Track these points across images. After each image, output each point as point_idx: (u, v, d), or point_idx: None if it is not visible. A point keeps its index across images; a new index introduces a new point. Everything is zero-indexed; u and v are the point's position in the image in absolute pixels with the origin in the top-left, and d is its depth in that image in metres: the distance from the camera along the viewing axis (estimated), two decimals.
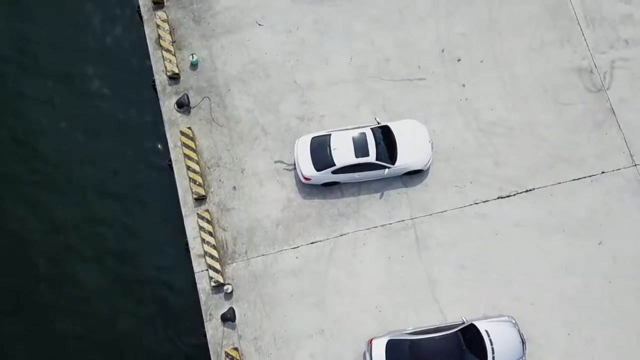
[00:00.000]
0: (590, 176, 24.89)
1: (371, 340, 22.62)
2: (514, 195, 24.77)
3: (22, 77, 28.52)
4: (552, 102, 25.70)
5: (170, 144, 25.40)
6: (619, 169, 24.94)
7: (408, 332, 22.58)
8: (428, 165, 24.66)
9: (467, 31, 26.55)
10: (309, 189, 24.83)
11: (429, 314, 23.48)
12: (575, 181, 24.85)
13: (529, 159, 25.05)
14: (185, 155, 24.98)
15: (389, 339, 22.23)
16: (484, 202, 24.73)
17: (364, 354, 22.75)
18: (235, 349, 23.33)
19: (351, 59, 26.31)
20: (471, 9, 26.82)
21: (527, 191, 24.78)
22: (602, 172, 24.90)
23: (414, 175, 24.90)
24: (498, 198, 24.75)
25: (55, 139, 27.85)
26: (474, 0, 26.92)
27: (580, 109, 25.60)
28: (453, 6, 26.89)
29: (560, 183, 24.82)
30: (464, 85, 25.94)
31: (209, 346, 23.47)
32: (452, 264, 24.11)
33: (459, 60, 26.22)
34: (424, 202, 24.77)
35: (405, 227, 24.52)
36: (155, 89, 26.15)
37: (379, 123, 24.71)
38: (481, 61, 26.20)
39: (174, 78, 26.03)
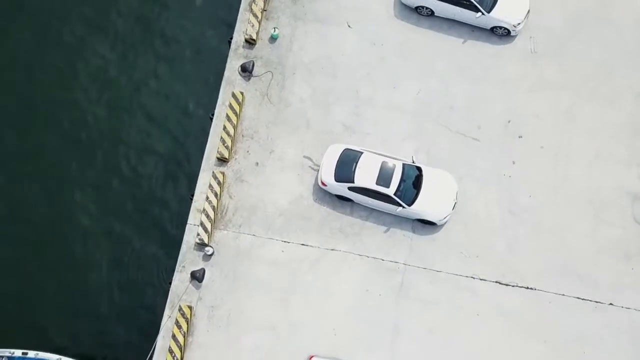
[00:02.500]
0: (596, 302, 24.64)
1: (312, 357, 23.52)
2: (513, 286, 24.88)
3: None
4: (592, 216, 25.54)
5: (219, 101, 27.08)
6: (629, 308, 24.55)
7: None
8: (443, 221, 25.15)
9: (542, 113, 26.73)
10: (322, 194, 25.88)
11: (379, 357, 24.03)
12: (579, 300, 24.68)
13: (543, 259, 25.07)
14: (227, 116, 26.58)
15: None
16: (481, 280, 24.98)
17: None
18: (190, 307, 24.77)
19: (419, 92, 27.08)
20: (556, 93, 26.96)
21: (527, 288, 24.85)
22: (611, 304, 24.59)
23: (426, 225, 25.45)
24: (496, 282, 24.94)
25: (120, 63, 30.46)
26: (564, 87, 27.03)
27: (617, 234, 25.32)
28: (540, 84, 27.10)
29: (563, 295, 24.72)
30: (513, 162, 26.18)
31: (169, 294, 25.03)
32: (422, 324, 24.55)
33: (520, 137, 26.47)
34: (424, 254, 25.30)
35: (395, 269, 25.15)
36: (229, 45, 27.89)
37: (413, 162, 25.39)
38: (541, 147, 26.35)
39: (250, 43, 27.68)
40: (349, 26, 28.03)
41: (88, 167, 29.06)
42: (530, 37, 27.65)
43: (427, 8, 27.51)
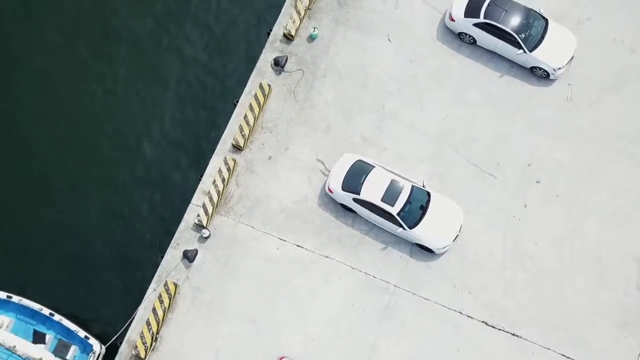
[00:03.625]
0: None
1: (283, 358, 23.84)
2: (499, 330, 24.75)
3: None
4: (596, 276, 25.22)
5: (246, 89, 27.66)
6: None
7: None
8: (442, 251, 25.19)
9: (565, 162, 26.51)
10: (327, 200, 26.17)
11: None
12: (564, 357, 24.40)
13: (536, 309, 24.88)
14: (250, 106, 27.10)
15: None
16: (468, 317, 24.91)
17: None
18: (176, 285, 25.35)
19: (445, 118, 27.16)
20: (583, 145, 26.65)
21: (513, 334, 24.68)
22: None
23: (425, 251, 25.51)
24: (482, 322, 24.84)
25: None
26: (593, 140, 26.71)
27: (618, 300, 24.94)
28: (570, 133, 26.83)
29: (548, 349, 24.48)
30: (525, 206, 26.03)
31: (158, 268, 25.67)
32: (400, 348, 24.64)
33: (537, 182, 26.31)
34: (416, 280, 25.36)
35: (384, 289, 25.26)
36: (268, 37, 28.44)
37: (424, 186, 25.46)
38: (557, 196, 26.14)
39: (288, 38, 28.19)
40: (389, 40, 28.28)
41: (106, 128, 29.96)
42: (569, 84, 27.44)
43: (469, 36, 27.58)
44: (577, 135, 26.86)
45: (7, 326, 24.83)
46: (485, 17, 26.81)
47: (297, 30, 28.21)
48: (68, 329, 24.82)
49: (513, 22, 26.66)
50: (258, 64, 28.05)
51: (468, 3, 27.33)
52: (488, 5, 26.94)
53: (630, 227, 25.77)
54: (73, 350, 24.67)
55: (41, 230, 28.18)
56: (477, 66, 27.82)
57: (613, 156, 26.57)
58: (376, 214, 25.12)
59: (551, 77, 27.20)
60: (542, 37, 26.94)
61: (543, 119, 27.11)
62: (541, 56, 26.77)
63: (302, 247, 25.80)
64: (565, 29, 27.38)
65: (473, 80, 27.67)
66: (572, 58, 27.12)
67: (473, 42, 27.81)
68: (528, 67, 27.42)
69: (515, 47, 26.88)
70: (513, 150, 26.75)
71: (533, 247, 25.63)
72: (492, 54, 27.78)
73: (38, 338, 24.77)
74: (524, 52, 26.79)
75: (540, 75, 27.37)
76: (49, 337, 24.87)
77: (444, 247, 25.09)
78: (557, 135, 26.89)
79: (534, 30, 26.94)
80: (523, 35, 26.70)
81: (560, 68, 26.93)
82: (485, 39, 27.36)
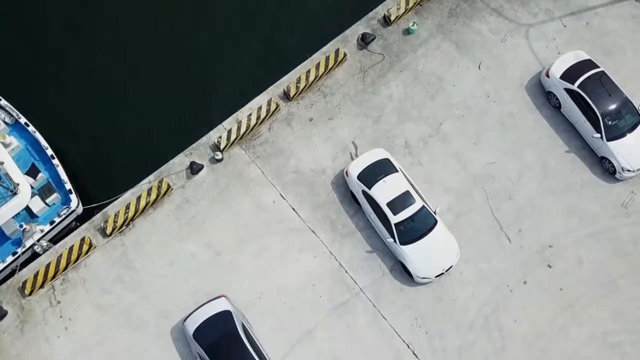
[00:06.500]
0: None
1: (223, 296, 24.75)
2: None
3: None
4: None
5: (324, 48, 28.61)
6: None
7: (247, 324, 24.25)
8: (421, 280, 25.22)
9: (587, 263, 25.78)
10: (341, 183, 26.75)
11: (277, 342, 24.74)
12: None
13: None
14: (318, 64, 28.02)
15: (231, 310, 24.09)
16: (414, 354, 24.86)
17: (212, 300, 24.78)
18: (170, 187, 26.69)
19: (492, 163, 27.03)
20: (614, 256, 25.82)
21: None
22: None
23: (406, 274, 25.61)
24: None
25: None
26: (626, 256, 25.84)
27: None
28: (607, 238, 26.06)
29: None
30: (524, 282, 25.57)
31: (162, 166, 27.11)
32: (334, 347, 24.87)
33: (549, 266, 25.75)
34: (383, 295, 25.53)
35: (349, 287, 25.61)
36: (369, 12, 29.24)
37: (435, 212, 25.51)
38: (561, 289, 25.50)
39: (386, 21, 28.88)
40: (479, 68, 28.36)
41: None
42: (632, 192, 26.60)
43: (557, 99, 27.23)
44: (612, 244, 26.04)
45: (12, 149, 26.80)
46: (579, 87, 26.43)
47: (397, 18, 28.81)
48: (60, 177, 26.51)
49: (605, 104, 26.14)
50: (346, 32, 28.91)
51: (570, 66, 26.99)
52: (588, 77, 26.52)
53: (615, 356, 24.76)
54: (54, 197, 26.39)
55: (86, 87, 29.99)
56: (550, 131, 27.48)
57: (635, 280, 25.59)
58: (376, 215, 25.44)
59: (617, 175, 26.45)
60: (627, 133, 26.26)
61: (587, 211, 26.44)
62: (616, 150, 26.09)
63: (296, 212, 26.52)
64: None
65: (538, 142, 27.34)
66: None
67: (558, 106, 27.44)
68: (598, 156, 26.79)
69: (595, 129, 26.34)
70: (541, 225, 26.26)
71: (510, 323, 25.15)
72: (570, 126, 27.34)
73: (32, 172, 26.58)
74: (601, 138, 26.19)
75: (607, 168, 26.68)
76: (41, 176, 26.63)
77: (423, 278, 25.09)
78: (592, 234, 26.17)
79: (622, 122, 26.29)
80: (609, 122, 26.12)
81: (630, 171, 26.16)
82: (570, 108, 26.95)
